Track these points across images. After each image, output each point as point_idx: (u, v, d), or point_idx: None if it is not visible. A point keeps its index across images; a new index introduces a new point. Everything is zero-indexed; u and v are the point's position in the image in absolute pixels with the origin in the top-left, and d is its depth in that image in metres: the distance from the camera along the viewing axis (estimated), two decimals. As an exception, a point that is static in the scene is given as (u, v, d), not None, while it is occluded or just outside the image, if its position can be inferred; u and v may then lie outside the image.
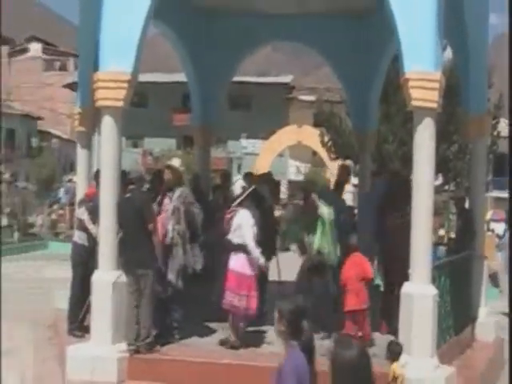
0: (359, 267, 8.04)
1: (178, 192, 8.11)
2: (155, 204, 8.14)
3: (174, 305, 8.02)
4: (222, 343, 7.88)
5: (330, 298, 8.31)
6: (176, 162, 7.79)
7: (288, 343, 3.77)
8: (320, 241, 8.31)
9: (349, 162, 19.85)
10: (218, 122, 13.45)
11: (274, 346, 7.69)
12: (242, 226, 7.76)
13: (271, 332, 8.14)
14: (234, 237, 7.84)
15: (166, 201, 8.14)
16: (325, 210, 8.36)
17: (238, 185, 8.15)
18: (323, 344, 7.69)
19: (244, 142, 46.71)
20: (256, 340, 8.01)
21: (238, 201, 8.06)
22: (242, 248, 7.77)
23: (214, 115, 13.04)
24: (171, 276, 7.87)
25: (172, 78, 41.52)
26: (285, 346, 3.79)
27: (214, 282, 8.15)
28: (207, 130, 13.17)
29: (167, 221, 7.98)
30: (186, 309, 8.09)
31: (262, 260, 7.87)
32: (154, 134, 44.86)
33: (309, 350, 3.76)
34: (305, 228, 8.57)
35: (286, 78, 50.76)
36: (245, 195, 8.10)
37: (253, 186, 8.38)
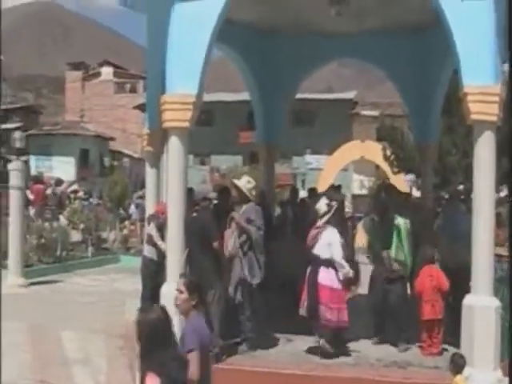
0: (435, 280, 8.20)
1: (243, 208, 8.36)
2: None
3: (240, 316, 8.25)
4: (312, 351, 8.01)
5: (407, 310, 8.43)
6: (245, 180, 8.01)
7: (192, 313, 4.59)
8: (396, 251, 8.44)
9: (411, 176, 19.74)
10: (282, 138, 13.65)
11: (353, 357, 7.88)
12: (332, 243, 7.95)
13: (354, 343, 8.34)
14: (321, 252, 8.00)
15: (233, 214, 8.37)
16: (401, 221, 8.49)
17: (322, 202, 8.22)
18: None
19: (308, 157, 46.86)
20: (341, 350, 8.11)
21: (326, 218, 8.11)
22: (330, 263, 7.96)
23: (277, 132, 13.24)
24: (230, 289, 8.12)
25: (237, 97, 42.20)
26: (189, 314, 4.60)
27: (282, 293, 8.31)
28: (271, 147, 13.39)
29: (229, 235, 8.23)
30: (254, 320, 8.24)
31: (351, 273, 8.10)
32: (220, 152, 45.59)
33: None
34: (381, 240, 8.68)
35: (350, 94, 50.76)
36: (331, 213, 8.20)
37: (336, 204, 8.49)
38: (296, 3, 10.37)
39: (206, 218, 8.22)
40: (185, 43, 7.98)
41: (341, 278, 7.97)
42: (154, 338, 3.95)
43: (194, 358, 4.31)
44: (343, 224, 9.49)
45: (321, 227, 8.05)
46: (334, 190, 12.24)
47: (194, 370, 4.28)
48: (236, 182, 8.50)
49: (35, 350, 9.12)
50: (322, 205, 8.10)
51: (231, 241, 8.10)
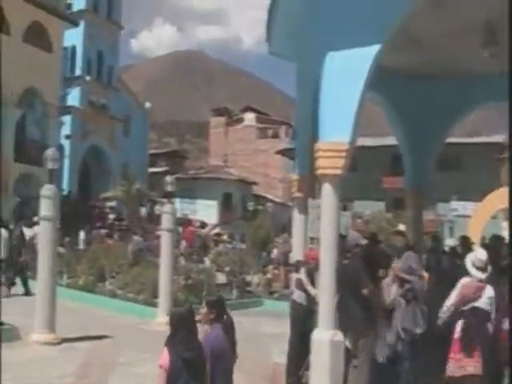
0: None
1: (404, 256, 8.24)
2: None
3: (397, 367, 8.08)
4: None
5: None
6: (401, 228, 7.95)
7: (212, 326, 5.52)
8: None
9: None
10: (430, 184, 13.41)
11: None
12: (494, 297, 7.63)
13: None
14: (485, 306, 7.66)
15: (394, 264, 8.28)
16: None
17: (481, 254, 7.85)
18: None
19: (454, 204, 45.34)
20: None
21: (489, 271, 7.76)
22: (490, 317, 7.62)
23: (425, 177, 13.04)
24: (389, 338, 7.99)
25: (380, 141, 41.95)
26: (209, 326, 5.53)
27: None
28: (419, 193, 13.17)
29: (387, 284, 8.13)
30: (413, 371, 8.06)
31: None
32: (363, 197, 45.28)
33: (230, 329, 5.75)
34: None
35: (497, 138, 48.90)
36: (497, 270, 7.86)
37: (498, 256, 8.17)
38: (446, 47, 10.28)
39: (357, 264, 8.20)
40: (337, 91, 8.06)
41: None
42: (178, 324, 5.02)
43: None
44: (504, 276, 9.04)
45: (484, 280, 7.65)
46: (496, 240, 11.71)
47: None
48: (401, 228, 8.41)
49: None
50: (480, 256, 7.72)
51: (392, 290, 8.00)
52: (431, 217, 42.47)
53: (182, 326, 5.02)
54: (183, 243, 26.17)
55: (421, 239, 13.38)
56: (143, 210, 40.22)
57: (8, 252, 17.10)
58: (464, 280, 7.59)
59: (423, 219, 14.53)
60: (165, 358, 4.96)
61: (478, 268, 7.47)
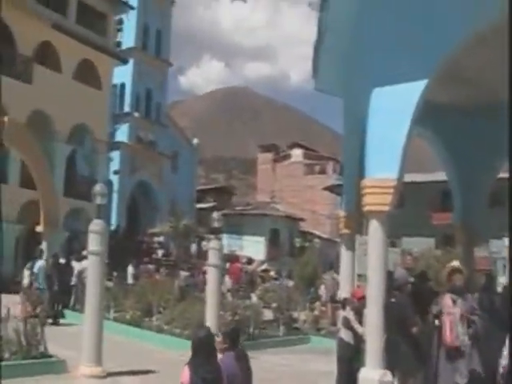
0: None
1: (466, 296, 7.96)
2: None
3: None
4: None
5: None
6: (456, 264, 7.77)
7: (225, 354, 5.71)
8: None
9: None
10: (481, 220, 13.16)
11: None
12: None
13: None
14: None
15: (449, 302, 7.99)
16: None
17: None
18: None
19: (507, 240, 44.30)
20: None
21: None
22: None
23: (476, 213, 12.80)
24: (460, 380, 7.67)
25: (430, 177, 41.52)
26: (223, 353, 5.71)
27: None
28: (469, 229, 12.93)
29: (456, 324, 7.85)
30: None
31: None
32: (411, 234, 44.68)
33: (242, 358, 5.82)
34: None
35: (553, 173, 47.86)
36: None
37: None
38: (495, 81, 10.14)
39: (405, 303, 8.05)
40: (384, 127, 8.00)
41: None
42: (198, 347, 5.35)
43: None
44: None
45: None
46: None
47: None
48: (458, 265, 8.16)
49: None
50: None
51: (457, 330, 7.71)
52: (484, 254, 41.54)
53: (201, 350, 5.36)
54: (227, 279, 26.17)
55: (473, 277, 13.07)
56: (193, 246, 40.47)
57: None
58: None
59: (475, 256, 14.23)
60: (185, 375, 5.31)
61: None
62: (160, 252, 37.12)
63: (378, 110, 8.14)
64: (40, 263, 18.73)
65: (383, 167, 7.90)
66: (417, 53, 7.85)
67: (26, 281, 18.89)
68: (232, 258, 34.67)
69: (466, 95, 11.44)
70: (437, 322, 7.93)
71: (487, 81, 10.37)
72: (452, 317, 7.83)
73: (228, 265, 30.37)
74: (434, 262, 28.50)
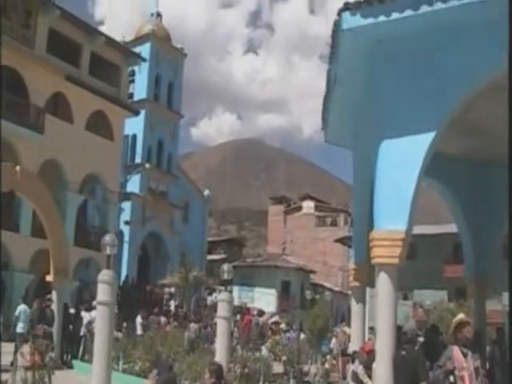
0: None
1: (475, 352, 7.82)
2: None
3: None
4: None
5: None
6: (461, 316, 7.70)
7: None
8: None
9: None
10: (493, 272, 13.05)
11: None
12: None
13: None
14: None
15: (460, 357, 7.84)
16: None
17: None
18: None
19: (520, 294, 43.73)
20: None
21: None
22: None
23: (488, 265, 12.73)
24: None
25: (441, 229, 41.30)
26: None
27: None
28: (482, 281, 12.85)
29: (473, 379, 7.70)
30: None
31: None
32: (423, 286, 44.25)
33: None
34: None
35: None
36: None
37: None
38: (504, 132, 10.18)
39: (415, 357, 7.93)
40: (393, 180, 8.01)
41: None
42: None
43: None
44: None
45: None
46: None
47: None
48: (466, 318, 8.06)
49: None
50: None
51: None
52: (496, 307, 40.99)
53: None
54: (235, 331, 25.91)
55: (484, 330, 12.91)
56: (203, 298, 40.22)
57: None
58: None
59: (487, 309, 14.07)
60: None
61: None
62: (170, 303, 36.89)
63: (386, 161, 8.16)
64: (21, 307, 18.95)
65: (392, 219, 7.88)
66: (425, 105, 7.92)
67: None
68: (243, 310, 34.39)
69: (475, 147, 11.49)
70: (451, 378, 7.76)
71: (496, 132, 10.40)
72: (469, 371, 7.67)
73: (239, 317, 30.14)
74: (446, 315, 28.15)
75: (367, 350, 9.22)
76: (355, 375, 9.38)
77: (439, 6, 7.34)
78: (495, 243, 13.07)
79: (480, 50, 7.57)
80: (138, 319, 24.69)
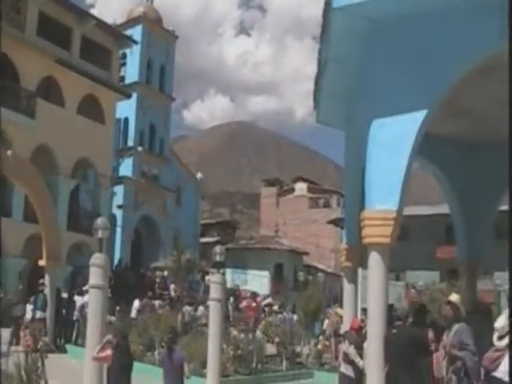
0: None
1: (454, 328, 7.90)
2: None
3: None
4: None
5: None
6: (454, 297, 7.65)
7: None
8: None
9: None
10: (485, 253, 13.11)
11: None
12: None
13: None
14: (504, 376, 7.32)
15: (444, 337, 7.94)
16: None
17: (502, 320, 7.50)
18: None
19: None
20: None
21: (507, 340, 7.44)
22: None
23: (480, 247, 12.79)
24: None
25: (434, 210, 41.45)
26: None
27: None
28: (473, 262, 12.91)
29: (439, 359, 7.78)
30: None
31: None
32: (416, 267, 44.46)
33: None
34: None
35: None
36: None
37: None
38: (497, 115, 10.19)
39: (408, 333, 7.98)
40: (384, 160, 8.00)
41: None
42: None
43: None
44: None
45: (502, 350, 7.30)
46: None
47: None
48: (452, 298, 8.08)
49: None
50: (498, 324, 7.35)
51: (443, 366, 7.64)
52: (488, 287, 41.23)
53: None
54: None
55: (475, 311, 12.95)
56: (196, 280, 40.28)
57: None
58: None
59: (478, 289, 14.13)
60: None
61: (500, 337, 7.13)
62: (171, 287, 36.90)
63: (377, 141, 8.14)
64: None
65: (383, 199, 7.87)
66: (417, 84, 7.89)
67: (28, 315, 18.82)
68: (235, 292, 34.60)
69: (467, 129, 11.48)
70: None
71: (491, 114, 10.41)
72: (441, 351, 7.75)
73: (232, 299, 30.27)
74: (438, 296, 28.27)
75: (356, 327, 9.27)
76: (346, 356, 9.42)
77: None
78: (487, 225, 13.12)
79: (470, 32, 7.53)
80: (135, 304, 24.65)
